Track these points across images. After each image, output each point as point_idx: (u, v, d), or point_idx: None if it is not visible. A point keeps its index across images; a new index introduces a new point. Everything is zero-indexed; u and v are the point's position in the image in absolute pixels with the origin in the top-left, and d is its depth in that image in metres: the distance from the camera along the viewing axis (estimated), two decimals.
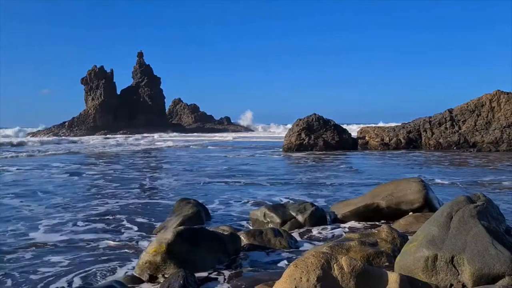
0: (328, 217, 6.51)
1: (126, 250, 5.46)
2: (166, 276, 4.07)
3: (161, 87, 72.92)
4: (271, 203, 7.60)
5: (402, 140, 23.70)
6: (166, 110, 77.56)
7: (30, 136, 57.44)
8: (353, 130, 29.88)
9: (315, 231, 6.03)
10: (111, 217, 7.40)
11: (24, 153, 23.97)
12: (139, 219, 7.20)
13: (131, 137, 48.20)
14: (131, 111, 67.96)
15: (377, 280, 2.98)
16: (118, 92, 69.43)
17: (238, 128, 78.52)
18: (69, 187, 11.06)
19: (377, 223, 6.25)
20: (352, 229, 6.09)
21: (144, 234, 6.23)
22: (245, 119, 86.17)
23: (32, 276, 4.53)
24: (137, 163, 18.21)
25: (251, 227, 6.29)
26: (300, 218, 6.14)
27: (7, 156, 22.33)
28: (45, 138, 46.71)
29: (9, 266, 4.83)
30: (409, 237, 4.29)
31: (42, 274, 4.60)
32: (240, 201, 8.71)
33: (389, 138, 24.05)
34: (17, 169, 15.48)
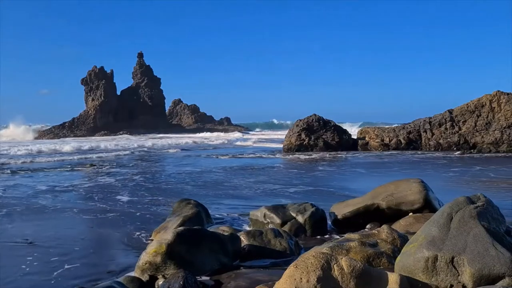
0: (328, 218, 6.52)
1: (126, 251, 5.46)
2: (166, 276, 4.07)
3: (161, 87, 72.97)
4: (271, 204, 7.60)
5: (402, 141, 23.70)
6: (166, 111, 77.57)
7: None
8: (352, 130, 29.91)
9: (315, 231, 6.03)
10: (111, 218, 7.40)
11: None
12: (139, 219, 7.20)
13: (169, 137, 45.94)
14: (131, 112, 68.00)
15: (377, 281, 2.98)
16: (118, 93, 69.45)
17: (238, 128, 78.50)
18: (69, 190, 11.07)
19: (377, 223, 6.24)
20: (352, 230, 6.08)
21: (144, 234, 6.23)
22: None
23: (32, 275, 4.53)
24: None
25: (249, 228, 6.28)
26: (300, 218, 6.14)
27: None
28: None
29: None
30: (409, 237, 4.29)
31: (46, 275, 4.60)
32: (240, 202, 8.71)
33: (389, 138, 24.05)
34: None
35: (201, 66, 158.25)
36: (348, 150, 23.52)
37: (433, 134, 23.82)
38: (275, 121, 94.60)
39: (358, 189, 9.93)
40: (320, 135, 24.19)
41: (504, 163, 16.05)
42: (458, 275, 3.19)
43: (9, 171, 14.83)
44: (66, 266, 4.83)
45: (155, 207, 8.36)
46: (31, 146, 28.36)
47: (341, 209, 6.57)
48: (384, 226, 4.56)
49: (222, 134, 56.03)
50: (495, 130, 22.56)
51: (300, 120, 24.88)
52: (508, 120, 22.63)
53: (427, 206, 6.08)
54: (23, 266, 4.84)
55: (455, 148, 22.71)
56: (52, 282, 4.37)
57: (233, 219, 7.19)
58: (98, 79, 65.55)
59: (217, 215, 7.34)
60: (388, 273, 3.07)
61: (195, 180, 12.26)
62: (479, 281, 3.12)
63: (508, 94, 23.39)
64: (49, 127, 64.12)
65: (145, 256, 4.20)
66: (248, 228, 6.26)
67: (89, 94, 65.59)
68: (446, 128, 23.76)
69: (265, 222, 6.24)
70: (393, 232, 4.43)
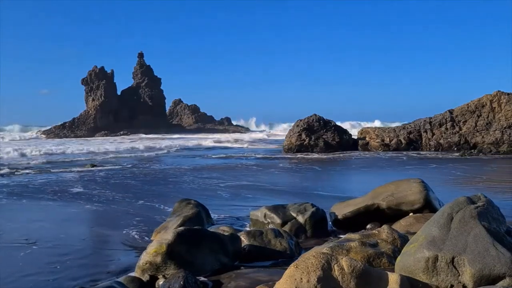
0: (328, 218, 6.51)
1: (126, 251, 5.46)
2: (166, 276, 4.07)
3: (161, 87, 72.96)
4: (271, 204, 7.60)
5: (403, 141, 23.69)
6: (167, 111, 77.53)
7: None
8: (347, 127, 29.93)
9: (315, 231, 6.03)
10: (111, 217, 7.40)
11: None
12: (140, 219, 7.20)
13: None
14: (131, 112, 67.98)
15: (378, 281, 2.97)
16: (119, 93, 69.46)
17: (238, 129, 78.43)
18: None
19: (377, 223, 6.24)
20: (352, 230, 6.08)
21: (144, 234, 6.23)
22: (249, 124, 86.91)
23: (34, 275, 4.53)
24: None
25: (249, 228, 6.28)
26: (300, 218, 6.13)
27: None
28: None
29: None
30: (409, 238, 4.29)
31: (46, 275, 4.60)
32: (241, 202, 8.71)
33: (389, 139, 24.04)
34: None
35: (201, 66, 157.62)
36: (348, 150, 23.51)
37: (433, 134, 23.81)
38: (275, 121, 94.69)
39: (357, 189, 9.92)
40: (320, 135, 24.18)
41: (506, 163, 16.03)
42: (459, 275, 3.19)
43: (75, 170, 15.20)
44: (66, 266, 4.83)
45: (98, 196, 9.24)
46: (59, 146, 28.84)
47: (342, 209, 6.57)
48: (385, 226, 4.56)
49: (225, 135, 56.20)
50: (496, 130, 22.56)
51: (301, 120, 24.87)
52: (508, 120, 22.61)
53: (428, 206, 6.07)
54: (23, 266, 4.84)
55: (455, 148, 22.69)
56: (52, 282, 4.37)
57: (234, 219, 7.18)
58: (99, 79, 65.52)
59: (217, 215, 7.36)
60: (389, 273, 3.07)
61: (146, 176, 12.90)
62: (479, 281, 3.12)
63: (508, 94, 23.36)
64: (49, 127, 64.09)
65: (146, 256, 4.20)
66: (248, 228, 6.26)
67: (89, 94, 65.56)
68: (446, 128, 23.74)
69: (266, 222, 6.24)
70: (394, 232, 4.43)
